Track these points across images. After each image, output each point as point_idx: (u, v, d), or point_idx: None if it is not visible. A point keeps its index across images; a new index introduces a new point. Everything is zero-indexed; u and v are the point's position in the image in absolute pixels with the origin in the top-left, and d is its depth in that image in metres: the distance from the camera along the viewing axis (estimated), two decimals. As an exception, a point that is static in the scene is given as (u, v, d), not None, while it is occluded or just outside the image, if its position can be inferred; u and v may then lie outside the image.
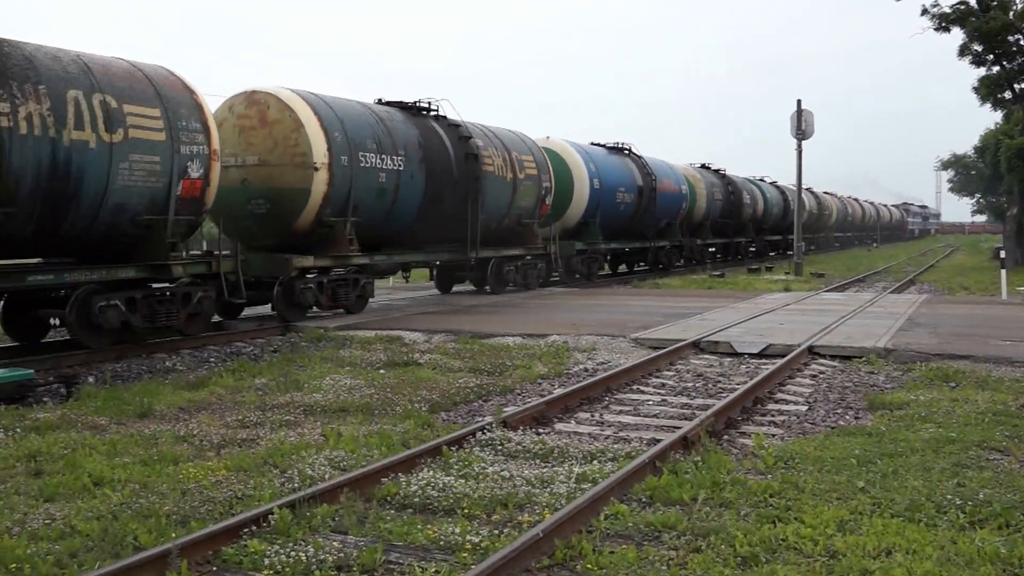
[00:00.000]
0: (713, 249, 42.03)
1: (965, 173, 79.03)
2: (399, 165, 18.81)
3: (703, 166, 41.29)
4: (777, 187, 52.18)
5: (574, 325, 16.19)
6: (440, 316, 18.23)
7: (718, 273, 33.35)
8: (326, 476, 7.08)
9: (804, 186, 53.25)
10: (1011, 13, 33.62)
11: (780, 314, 18.33)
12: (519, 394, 10.79)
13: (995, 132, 48.69)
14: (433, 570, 5.30)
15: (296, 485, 6.89)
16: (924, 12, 35.11)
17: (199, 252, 15.97)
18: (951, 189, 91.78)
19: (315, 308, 17.63)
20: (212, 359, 13.44)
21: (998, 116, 44.98)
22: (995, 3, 33.88)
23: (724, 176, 42.59)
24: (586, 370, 12.25)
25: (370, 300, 19.20)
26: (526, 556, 5.37)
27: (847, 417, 9.46)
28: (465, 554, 5.53)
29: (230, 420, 9.27)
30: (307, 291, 17.02)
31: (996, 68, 36.48)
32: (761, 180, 50.32)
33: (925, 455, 7.66)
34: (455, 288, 24.87)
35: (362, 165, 17.84)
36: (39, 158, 11.96)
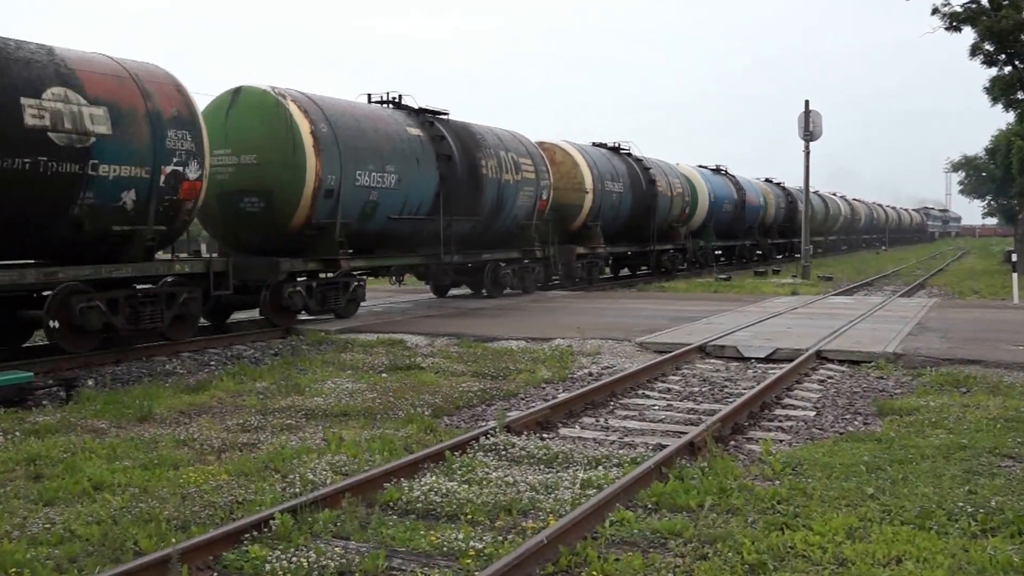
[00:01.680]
0: (778, 247, 53.20)
1: (976, 175, 78.85)
2: (621, 189, 29.56)
3: (767, 180, 51.47)
4: (819, 195, 63.40)
5: (578, 329, 16.11)
6: (443, 319, 18.20)
7: (724, 276, 33.44)
8: (328, 481, 7.04)
9: (842, 195, 70.05)
10: (1023, 12, 33.41)
11: (787, 318, 18.25)
12: (523, 398, 10.73)
13: (1007, 133, 48.56)
14: (436, 576, 5.24)
15: (297, 490, 6.86)
16: (935, 11, 34.88)
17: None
18: (961, 191, 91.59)
19: (577, 280, 27.55)
20: (212, 362, 13.39)
21: (1010, 117, 44.78)
22: (1007, 2, 33.67)
23: (784, 188, 53.82)
24: (591, 374, 12.18)
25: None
26: (530, 563, 5.32)
27: (856, 423, 9.38)
28: (468, 560, 5.48)
29: (231, 424, 9.23)
30: (578, 268, 27.50)
31: (1008, 68, 36.29)
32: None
33: (936, 462, 7.58)
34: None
35: (607, 189, 28.49)
36: (493, 190, 22.01)
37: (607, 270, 32.81)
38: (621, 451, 8.15)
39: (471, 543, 5.71)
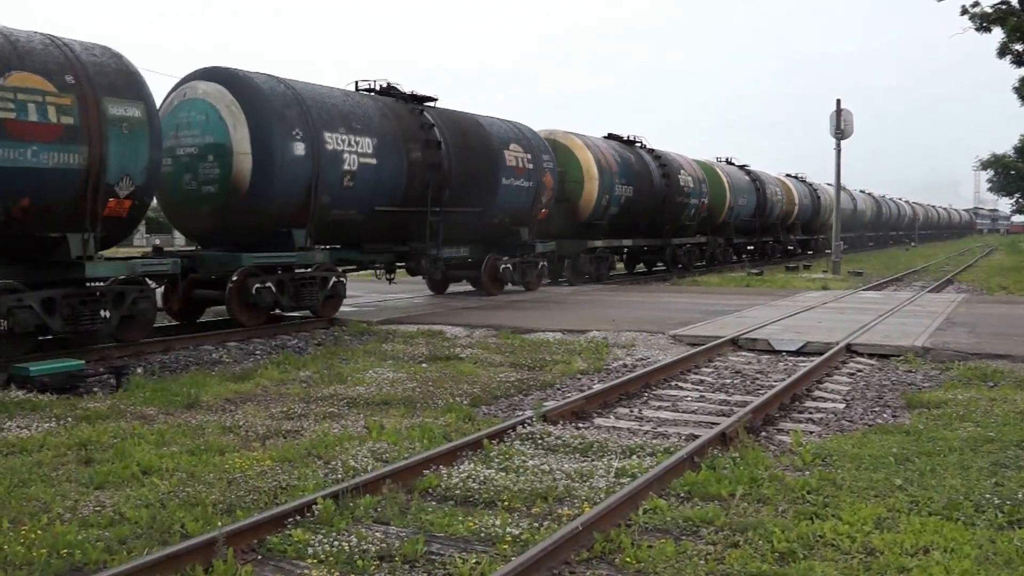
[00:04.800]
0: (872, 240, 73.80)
1: (1004, 173, 77.81)
2: (807, 201, 50.06)
3: (861, 191, 69.98)
4: (894, 201, 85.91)
5: (613, 321, 16.23)
6: (481, 311, 18.36)
7: (756, 271, 33.40)
8: (369, 468, 7.16)
9: (897, 198, 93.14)
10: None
11: (818, 312, 18.27)
12: (559, 389, 10.86)
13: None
14: (474, 561, 5.35)
15: (339, 476, 6.97)
16: (964, 12, 34.49)
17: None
18: (990, 189, 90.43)
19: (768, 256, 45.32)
20: (258, 352, 13.59)
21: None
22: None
23: (875, 197, 74.41)
24: (625, 366, 12.30)
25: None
26: (565, 549, 5.42)
27: (885, 415, 9.45)
28: (505, 546, 5.58)
29: (275, 412, 9.39)
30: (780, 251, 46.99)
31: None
32: (883, 196, 79.42)
33: (963, 454, 7.64)
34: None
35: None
36: (735, 204, 39.56)
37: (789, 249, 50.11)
38: (654, 441, 8.27)
39: (508, 529, 5.82)
